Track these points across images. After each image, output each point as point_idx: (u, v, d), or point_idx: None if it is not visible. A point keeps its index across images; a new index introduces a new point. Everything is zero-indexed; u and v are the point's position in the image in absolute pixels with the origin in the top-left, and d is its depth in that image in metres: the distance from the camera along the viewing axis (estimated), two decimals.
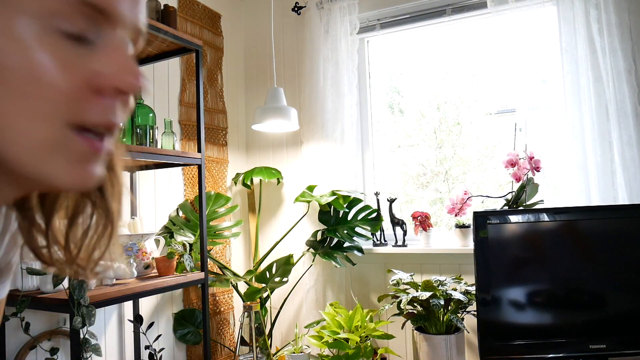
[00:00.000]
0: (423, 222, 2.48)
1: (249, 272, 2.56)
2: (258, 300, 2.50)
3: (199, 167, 2.09)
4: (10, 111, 0.32)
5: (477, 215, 1.91)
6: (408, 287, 2.26)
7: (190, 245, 2.23)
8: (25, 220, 0.43)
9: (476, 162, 3.38)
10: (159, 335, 2.28)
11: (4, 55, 0.31)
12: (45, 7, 0.32)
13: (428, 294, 2.04)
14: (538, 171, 2.22)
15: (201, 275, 2.02)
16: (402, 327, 2.27)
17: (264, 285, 2.48)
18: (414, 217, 2.50)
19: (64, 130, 0.34)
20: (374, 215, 2.57)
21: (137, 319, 2.13)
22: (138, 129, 1.91)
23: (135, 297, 1.75)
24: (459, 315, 2.11)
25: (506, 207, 2.27)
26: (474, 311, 2.01)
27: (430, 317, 2.12)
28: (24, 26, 0.32)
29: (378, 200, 2.63)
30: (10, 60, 0.31)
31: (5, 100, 0.32)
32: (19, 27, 0.32)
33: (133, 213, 2.21)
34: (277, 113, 2.38)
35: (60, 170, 0.34)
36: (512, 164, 2.24)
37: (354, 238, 2.56)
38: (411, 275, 2.30)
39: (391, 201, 2.58)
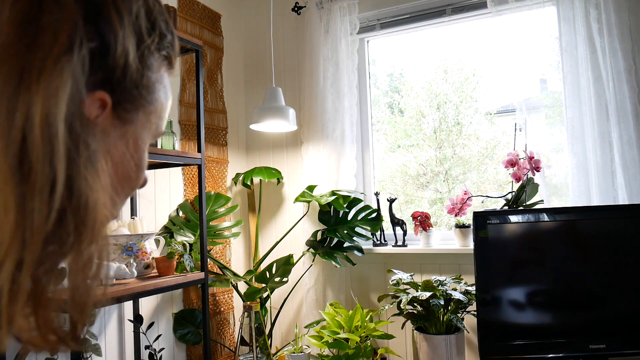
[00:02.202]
0: (423, 222, 2.48)
1: (249, 272, 2.56)
2: (258, 300, 2.50)
3: (199, 167, 2.09)
4: (125, 186, 0.48)
5: (477, 215, 1.91)
6: (408, 287, 2.26)
7: (190, 245, 2.23)
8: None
9: (476, 162, 3.38)
10: (159, 335, 2.28)
11: (141, 154, 0.49)
12: (155, 131, 0.50)
13: (428, 294, 2.04)
14: (538, 171, 2.22)
15: (201, 275, 2.02)
16: (402, 327, 2.27)
17: (264, 285, 2.48)
18: (414, 217, 2.50)
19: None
20: (374, 215, 2.57)
21: (137, 319, 2.13)
22: None
23: (135, 297, 1.75)
24: (459, 315, 2.11)
25: (506, 207, 2.28)
26: (474, 311, 2.01)
27: (430, 317, 2.12)
28: (146, 139, 0.49)
29: (378, 200, 2.63)
30: (140, 156, 0.49)
31: (127, 181, 0.48)
32: (146, 139, 0.49)
33: (133, 213, 2.21)
34: (275, 113, 2.38)
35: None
36: (512, 164, 2.24)
37: (354, 238, 2.56)
38: (411, 275, 2.30)
39: (391, 201, 2.58)
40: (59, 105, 0.37)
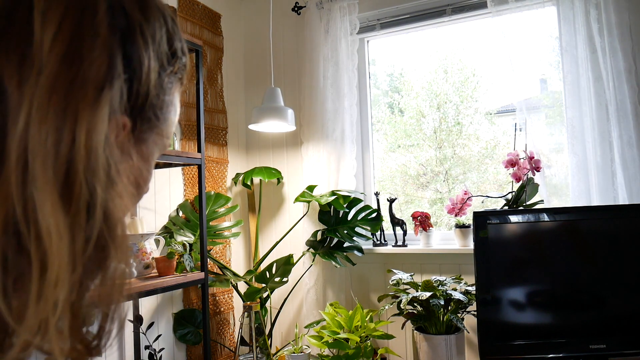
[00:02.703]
0: (423, 222, 2.48)
1: (249, 272, 2.56)
2: (258, 300, 2.50)
3: (199, 167, 2.09)
4: (134, 200, 0.51)
5: (477, 215, 1.91)
6: (408, 287, 2.26)
7: (190, 245, 2.23)
8: None
9: (476, 162, 3.38)
10: (159, 335, 2.28)
11: (150, 169, 0.52)
12: (163, 147, 0.52)
13: (428, 294, 2.04)
14: (538, 171, 2.22)
15: (201, 275, 2.02)
16: (402, 327, 2.27)
17: (264, 285, 2.48)
18: (414, 217, 2.50)
19: None
20: (374, 215, 2.57)
21: (137, 319, 2.13)
22: None
23: (135, 297, 1.75)
24: (459, 315, 2.11)
25: (506, 207, 2.27)
26: (474, 311, 2.01)
27: (430, 317, 2.12)
28: (156, 154, 0.52)
29: (378, 200, 2.63)
30: (149, 171, 0.52)
31: (137, 195, 0.52)
32: (156, 154, 0.52)
33: (133, 213, 2.21)
34: (274, 113, 2.37)
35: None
36: (512, 164, 2.24)
37: (354, 238, 2.56)
38: (411, 275, 2.30)
39: (391, 201, 2.58)
40: (99, 134, 0.39)
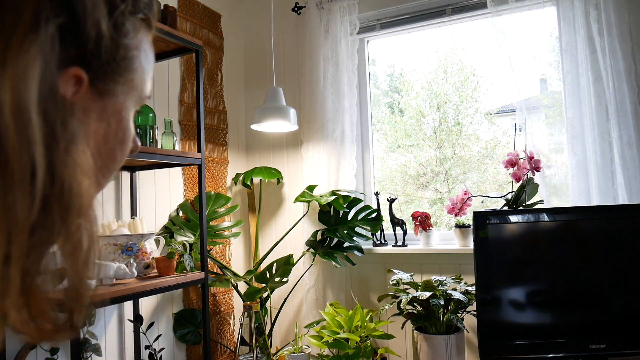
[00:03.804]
0: (423, 222, 2.48)
1: (249, 272, 2.56)
2: (258, 300, 2.50)
3: (199, 167, 2.09)
4: (116, 159, 0.47)
5: (477, 215, 1.91)
6: (408, 287, 2.26)
7: (190, 245, 2.23)
8: None
9: (476, 162, 3.38)
10: (159, 335, 2.28)
11: (126, 124, 0.47)
12: (139, 97, 0.49)
13: (428, 294, 2.04)
14: (538, 171, 2.22)
15: (201, 275, 2.02)
16: (402, 327, 2.27)
17: (264, 285, 2.48)
18: (414, 217, 2.50)
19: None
20: (374, 215, 2.58)
21: (137, 319, 2.13)
22: (138, 129, 1.91)
23: (135, 297, 1.75)
24: (459, 315, 2.11)
25: (506, 207, 2.28)
26: (474, 311, 2.01)
27: (430, 317, 2.12)
28: (131, 107, 0.48)
29: (378, 200, 2.63)
30: (126, 126, 0.47)
31: (118, 153, 0.47)
32: (130, 108, 0.48)
33: (133, 213, 2.21)
34: (275, 113, 2.37)
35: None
36: (512, 164, 2.24)
37: (354, 238, 2.56)
38: (411, 275, 2.30)
39: (391, 201, 2.58)
40: (30, 88, 0.35)
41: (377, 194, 2.65)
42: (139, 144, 0.52)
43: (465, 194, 2.37)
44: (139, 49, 0.46)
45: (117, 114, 0.46)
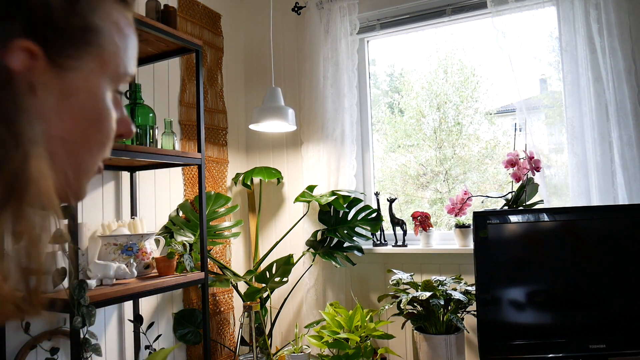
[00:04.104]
0: (423, 222, 2.48)
1: (249, 272, 2.56)
2: (258, 300, 2.50)
3: (199, 167, 2.09)
4: (91, 139, 0.44)
5: (477, 215, 1.91)
6: (408, 287, 2.27)
7: (190, 245, 2.23)
8: None
9: (476, 162, 3.38)
10: (159, 335, 2.28)
11: (99, 102, 0.44)
12: (115, 74, 0.45)
13: (428, 294, 2.04)
14: (538, 171, 2.22)
15: (201, 275, 2.02)
16: (402, 327, 2.27)
17: (264, 285, 2.48)
18: (414, 217, 2.50)
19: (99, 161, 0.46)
20: (374, 215, 2.58)
21: (137, 319, 2.13)
22: (138, 129, 1.91)
23: (135, 297, 1.75)
24: (459, 315, 2.11)
25: (506, 207, 2.28)
26: (474, 311, 2.01)
27: (430, 317, 2.12)
28: (105, 85, 0.45)
29: (378, 200, 2.63)
30: (100, 105, 0.44)
31: (92, 133, 0.44)
32: (104, 85, 0.45)
33: (133, 213, 2.21)
34: (274, 113, 2.37)
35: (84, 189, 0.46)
36: (512, 164, 2.24)
37: (354, 238, 2.56)
38: (411, 275, 2.30)
39: (391, 201, 2.58)
40: None
41: (377, 194, 2.65)
42: (133, 128, 0.49)
43: (465, 194, 2.37)
44: (104, 21, 0.43)
45: (86, 91, 0.43)
